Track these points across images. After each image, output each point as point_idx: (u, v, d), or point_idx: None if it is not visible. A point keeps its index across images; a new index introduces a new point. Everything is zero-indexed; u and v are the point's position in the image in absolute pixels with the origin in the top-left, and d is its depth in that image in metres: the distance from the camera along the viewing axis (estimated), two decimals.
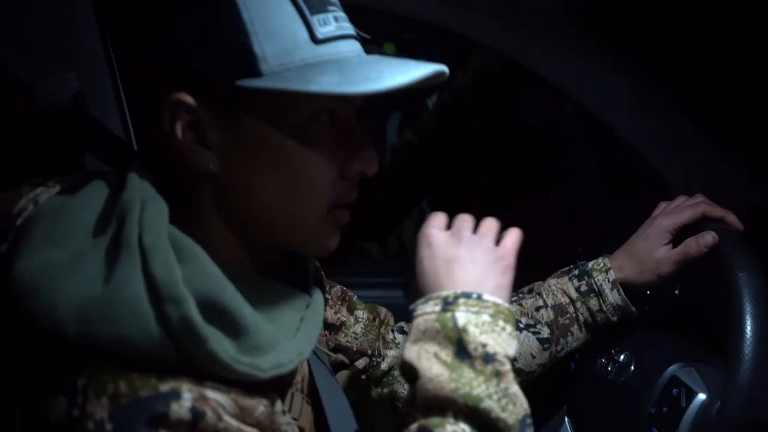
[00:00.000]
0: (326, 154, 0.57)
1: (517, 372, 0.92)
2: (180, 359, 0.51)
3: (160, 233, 0.53)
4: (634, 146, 1.21)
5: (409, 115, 1.89)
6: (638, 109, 1.17)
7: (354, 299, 0.94)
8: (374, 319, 0.94)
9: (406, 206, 1.75)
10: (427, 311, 0.60)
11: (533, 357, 0.91)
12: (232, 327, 0.53)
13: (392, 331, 0.96)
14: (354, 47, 0.58)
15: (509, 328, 0.60)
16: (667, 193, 1.21)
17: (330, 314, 0.89)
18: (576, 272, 0.93)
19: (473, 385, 0.56)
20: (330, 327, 0.89)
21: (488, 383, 0.56)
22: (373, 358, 0.92)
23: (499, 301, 0.61)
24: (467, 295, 0.60)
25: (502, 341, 0.59)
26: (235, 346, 0.53)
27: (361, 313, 0.93)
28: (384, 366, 0.93)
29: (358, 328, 0.92)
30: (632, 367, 0.90)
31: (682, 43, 1.07)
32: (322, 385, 0.70)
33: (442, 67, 0.55)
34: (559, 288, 0.92)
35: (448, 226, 0.67)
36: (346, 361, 0.82)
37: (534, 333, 0.91)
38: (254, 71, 0.52)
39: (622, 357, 0.92)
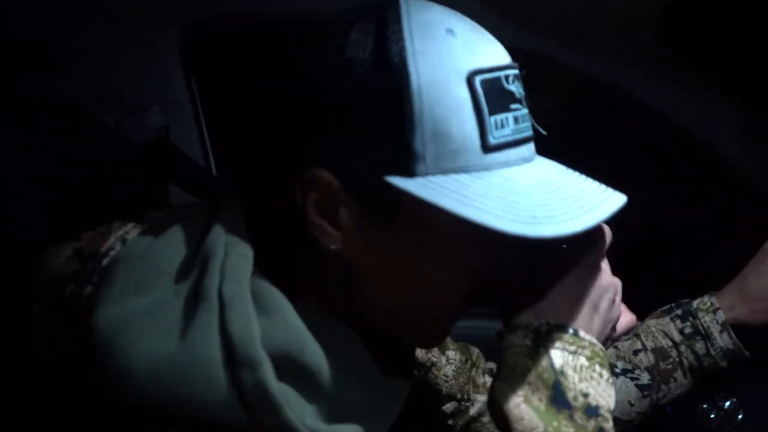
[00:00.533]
0: (467, 266, 0.53)
1: (615, 421, 0.84)
2: (252, 425, 0.48)
3: (241, 283, 0.50)
4: (741, 172, 1.11)
5: None
6: (747, 134, 1.08)
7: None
8: (466, 360, 0.89)
9: None
10: (516, 344, 0.53)
11: (631, 405, 0.83)
12: (310, 388, 0.50)
13: (483, 374, 0.90)
14: (530, 152, 0.52)
15: (606, 374, 0.54)
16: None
17: (421, 353, 0.84)
18: (679, 312, 0.84)
19: None
20: (419, 367, 0.84)
21: None
22: (462, 403, 0.87)
23: (595, 341, 0.54)
24: (562, 328, 0.53)
25: (602, 391, 0.53)
26: (313, 410, 0.51)
27: (453, 354, 0.88)
28: (473, 411, 0.87)
29: (449, 370, 0.86)
30: (740, 416, 0.82)
31: None
32: None
33: (622, 200, 0.50)
34: (660, 330, 0.84)
35: None
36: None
37: (632, 379, 0.83)
38: (407, 169, 0.47)
39: (728, 404, 0.84)
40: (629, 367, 0.84)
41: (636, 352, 0.84)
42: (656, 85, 1.12)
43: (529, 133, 0.52)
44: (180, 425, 0.48)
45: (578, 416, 0.51)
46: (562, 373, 0.52)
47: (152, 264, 0.53)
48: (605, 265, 0.57)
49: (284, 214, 0.53)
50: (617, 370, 0.84)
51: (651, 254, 1.54)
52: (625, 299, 0.61)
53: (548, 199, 0.48)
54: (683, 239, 1.50)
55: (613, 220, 0.51)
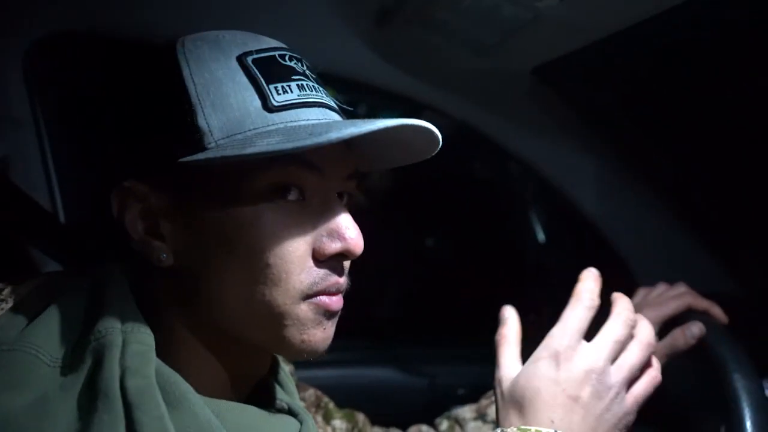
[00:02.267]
0: (290, 234, 0.50)
1: None
2: None
3: (149, 377, 0.44)
4: (597, 223, 1.20)
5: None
6: (606, 191, 1.16)
7: (330, 406, 0.85)
8: (353, 428, 0.85)
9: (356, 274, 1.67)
10: None
11: None
12: None
13: None
14: (324, 115, 0.52)
15: None
16: (626, 269, 1.22)
17: None
18: None
19: None
20: None
21: None
22: None
23: None
24: None
25: None
26: None
27: (339, 423, 0.83)
28: None
29: None
30: None
31: (650, 126, 1.08)
32: None
33: (412, 122, 0.48)
34: None
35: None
36: None
37: None
38: (199, 146, 0.48)
39: None
40: None
41: None
42: (525, 137, 1.17)
43: (321, 99, 0.53)
44: None
45: None
46: None
47: (29, 355, 0.45)
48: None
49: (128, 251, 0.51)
50: None
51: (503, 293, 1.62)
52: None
53: (337, 124, 0.49)
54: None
55: None
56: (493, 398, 0.89)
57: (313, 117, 0.51)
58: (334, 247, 0.51)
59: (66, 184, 0.97)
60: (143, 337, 0.46)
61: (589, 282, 0.62)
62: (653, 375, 0.60)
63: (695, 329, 0.81)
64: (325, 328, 0.52)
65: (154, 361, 0.45)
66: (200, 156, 0.47)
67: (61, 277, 0.53)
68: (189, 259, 0.50)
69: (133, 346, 0.45)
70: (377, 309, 1.72)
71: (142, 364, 0.44)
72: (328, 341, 0.53)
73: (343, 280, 0.53)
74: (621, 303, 0.62)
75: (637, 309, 0.86)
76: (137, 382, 0.43)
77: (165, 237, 0.50)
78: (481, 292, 1.62)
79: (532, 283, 1.56)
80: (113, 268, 0.51)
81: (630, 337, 0.60)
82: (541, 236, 1.54)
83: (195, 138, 0.48)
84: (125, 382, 0.43)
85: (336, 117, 0.53)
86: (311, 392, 0.85)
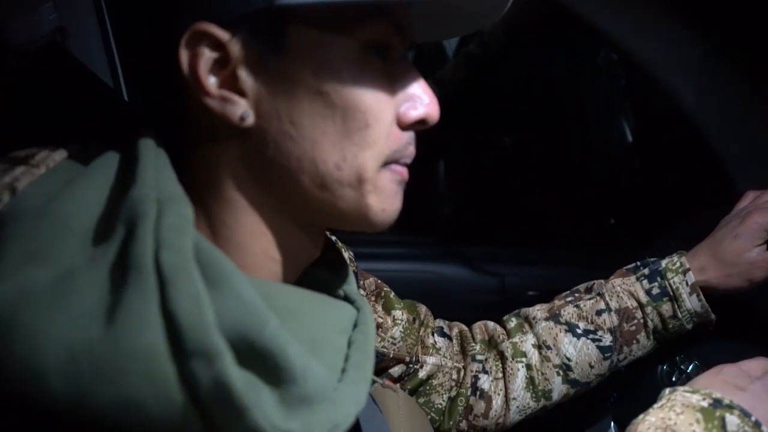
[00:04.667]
0: (383, 95, 0.48)
1: (572, 383, 0.80)
2: None
3: (185, 252, 0.39)
4: (697, 121, 1.07)
5: (427, 66, 1.72)
6: (710, 84, 1.02)
7: (391, 296, 0.81)
8: (414, 320, 0.81)
9: (422, 169, 1.60)
10: (691, 400, 0.55)
11: (591, 367, 0.79)
12: (275, 373, 0.41)
13: (432, 334, 0.83)
14: None
15: None
16: (725, 175, 1.10)
17: None
18: (646, 272, 0.80)
19: None
20: None
21: None
22: (411, 365, 0.80)
23: None
24: (746, 414, 0.54)
25: None
26: (277, 399, 0.41)
27: (400, 314, 0.79)
28: (422, 374, 0.80)
29: (397, 332, 0.79)
30: None
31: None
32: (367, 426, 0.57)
33: None
34: (626, 289, 0.80)
35: None
36: (390, 386, 0.70)
37: (594, 340, 0.79)
38: None
39: (690, 367, 0.81)
40: (591, 328, 0.79)
41: (599, 313, 0.79)
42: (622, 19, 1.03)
43: None
44: None
45: None
46: None
47: (57, 223, 0.41)
48: None
49: (186, 114, 0.47)
50: (579, 331, 0.80)
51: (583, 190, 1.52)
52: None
53: None
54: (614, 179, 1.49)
55: None
56: (567, 299, 0.83)
57: None
58: (416, 113, 0.49)
59: (127, 58, 0.93)
60: (181, 208, 0.41)
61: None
62: None
63: None
64: (399, 198, 0.51)
65: (192, 235, 0.41)
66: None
67: (99, 144, 0.49)
68: (275, 118, 0.46)
69: (169, 217, 0.40)
70: (446, 206, 1.66)
71: (178, 238, 0.39)
72: (398, 212, 0.51)
73: (414, 152, 0.51)
74: None
75: (746, 213, 0.77)
76: (172, 258, 0.38)
77: (246, 94, 0.45)
78: (557, 197, 1.53)
79: (615, 187, 1.45)
80: (152, 133, 0.46)
81: None
82: (629, 137, 1.42)
83: None
84: (160, 257, 0.38)
85: None
86: (371, 281, 0.81)
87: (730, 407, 0.54)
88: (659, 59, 1.03)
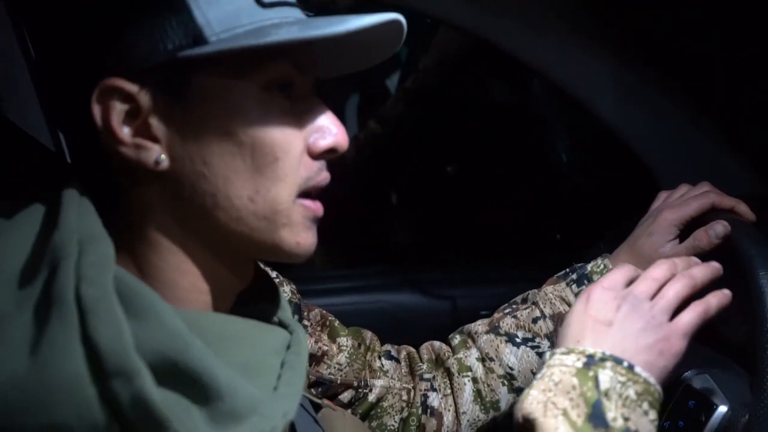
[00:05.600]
0: (290, 129, 0.51)
1: (517, 391, 0.83)
2: None
3: (105, 285, 0.42)
4: (618, 132, 1.13)
5: (368, 104, 1.78)
6: (623, 94, 1.08)
7: (336, 324, 0.83)
8: (359, 345, 0.83)
9: (375, 203, 1.64)
10: (566, 363, 0.57)
11: (534, 374, 0.82)
12: (201, 392, 0.43)
13: (379, 358, 0.85)
14: (301, 15, 0.52)
15: (652, 415, 0.55)
16: (652, 179, 1.15)
17: (310, 343, 0.78)
18: (574, 276, 0.84)
19: None
20: (310, 358, 0.78)
21: None
22: (359, 390, 0.82)
23: (652, 380, 0.56)
24: (617, 360, 0.56)
25: (642, 426, 0.53)
26: (205, 416, 0.43)
27: (345, 340, 0.82)
28: (372, 398, 0.82)
29: (342, 358, 0.81)
30: None
31: (669, 23, 0.99)
32: None
33: (398, 17, 0.49)
34: (557, 295, 0.83)
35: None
36: (332, 407, 0.72)
37: (533, 347, 0.82)
38: (198, 39, 0.46)
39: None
40: (530, 336, 0.83)
41: (535, 320, 0.83)
42: (538, 44, 1.10)
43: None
44: None
45: None
46: (606, 394, 0.54)
47: None
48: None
49: (105, 165, 0.49)
50: (518, 340, 0.83)
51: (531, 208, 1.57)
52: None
53: (338, 18, 0.48)
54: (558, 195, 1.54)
55: None
56: (505, 311, 0.86)
57: (294, 16, 0.50)
58: (325, 143, 0.52)
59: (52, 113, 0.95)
60: (101, 247, 0.44)
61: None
62: (703, 307, 0.60)
63: (719, 228, 0.77)
64: (312, 233, 0.53)
65: (113, 271, 0.43)
66: (208, 49, 0.46)
67: (26, 196, 0.51)
68: (188, 160, 0.48)
69: (89, 256, 0.43)
70: (397, 235, 1.70)
71: (98, 273, 0.42)
72: (314, 247, 0.54)
73: (328, 177, 0.54)
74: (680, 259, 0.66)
75: (657, 212, 0.82)
76: (92, 291, 0.41)
77: (159, 139, 0.48)
78: (504, 217, 1.58)
79: (558, 203, 1.51)
80: (76, 181, 0.48)
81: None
82: (563, 155, 1.48)
83: (192, 30, 0.46)
84: (80, 290, 0.41)
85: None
86: (316, 312, 0.83)
87: (603, 360, 0.56)
88: (573, 78, 1.10)
